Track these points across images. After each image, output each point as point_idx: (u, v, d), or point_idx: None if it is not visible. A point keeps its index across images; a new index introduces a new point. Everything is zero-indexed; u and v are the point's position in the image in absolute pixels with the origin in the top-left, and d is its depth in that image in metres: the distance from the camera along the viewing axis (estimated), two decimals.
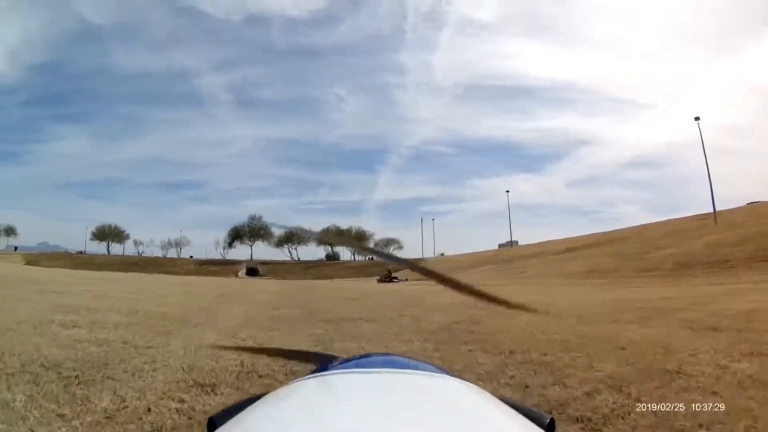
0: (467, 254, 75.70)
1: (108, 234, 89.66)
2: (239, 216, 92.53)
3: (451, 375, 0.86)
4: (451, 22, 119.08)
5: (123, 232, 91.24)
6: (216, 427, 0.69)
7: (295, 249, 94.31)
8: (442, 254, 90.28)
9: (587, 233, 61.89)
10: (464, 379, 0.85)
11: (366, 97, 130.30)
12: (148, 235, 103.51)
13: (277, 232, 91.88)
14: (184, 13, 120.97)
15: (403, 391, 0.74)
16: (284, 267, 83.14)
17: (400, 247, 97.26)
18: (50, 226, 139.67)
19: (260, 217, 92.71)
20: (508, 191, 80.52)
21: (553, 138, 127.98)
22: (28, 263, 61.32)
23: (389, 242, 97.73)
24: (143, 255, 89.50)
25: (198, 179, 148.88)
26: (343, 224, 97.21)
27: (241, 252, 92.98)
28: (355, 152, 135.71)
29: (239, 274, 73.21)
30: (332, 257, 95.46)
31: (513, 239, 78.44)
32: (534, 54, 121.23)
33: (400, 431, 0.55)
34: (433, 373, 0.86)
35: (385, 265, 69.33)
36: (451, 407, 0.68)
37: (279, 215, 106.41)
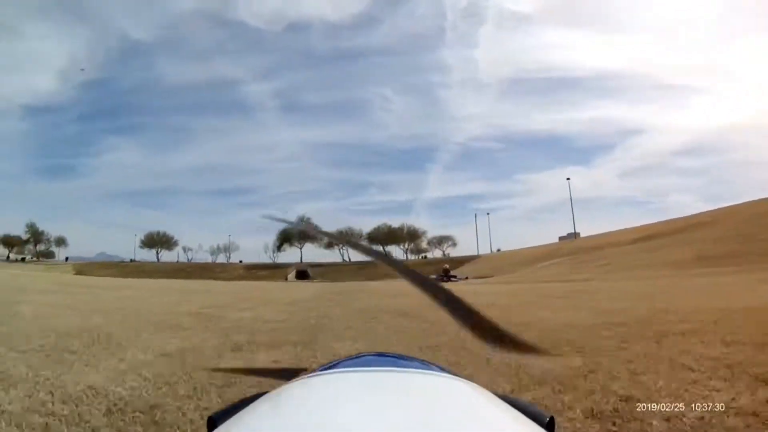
0: (526, 248, 69.49)
1: (156, 241, 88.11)
2: (290, 220, 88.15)
3: (451, 373, 0.84)
4: (491, 16, 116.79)
5: (172, 238, 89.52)
6: (216, 426, 0.68)
7: (346, 250, 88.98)
8: (498, 250, 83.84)
9: (647, 223, 55.83)
10: (464, 377, 0.83)
11: (411, 96, 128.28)
12: (202, 241, 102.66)
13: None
14: (225, 26, 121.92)
15: (403, 390, 0.73)
16: (335, 268, 77.99)
17: (454, 244, 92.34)
18: (108, 237, 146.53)
19: (309, 219, 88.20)
20: (569, 179, 73.68)
21: (602, 129, 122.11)
22: (78, 273, 60.86)
23: (442, 240, 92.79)
24: (192, 261, 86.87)
25: (248, 185, 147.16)
26: (395, 223, 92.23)
27: (291, 255, 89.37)
28: (403, 152, 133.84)
29: (288, 277, 68.77)
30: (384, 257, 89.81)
31: (574, 231, 72.98)
32: (577, 43, 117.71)
33: (400, 430, 0.54)
34: (433, 372, 0.85)
35: (441, 263, 63.55)
36: (451, 405, 0.67)
37: (330, 218, 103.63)
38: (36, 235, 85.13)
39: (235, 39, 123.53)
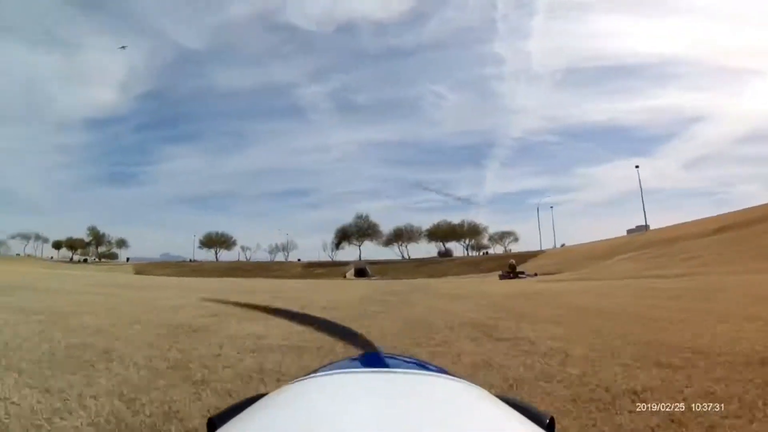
0: (592, 243, 63.57)
1: (215, 241, 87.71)
2: (349, 219, 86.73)
3: (452, 375, 0.84)
4: (542, 6, 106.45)
5: (230, 238, 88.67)
6: (216, 428, 0.68)
7: (405, 247, 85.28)
8: (562, 245, 77.41)
9: (715, 214, 49.27)
10: (464, 379, 0.83)
11: (464, 91, 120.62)
12: (262, 242, 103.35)
13: (386, 230, 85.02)
14: (276, 30, 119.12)
15: (403, 391, 0.73)
16: (394, 266, 74.72)
17: (516, 240, 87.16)
18: (171, 238, 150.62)
19: (367, 216, 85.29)
20: (638, 167, 65.44)
21: (662, 117, 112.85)
22: (137, 272, 61.88)
23: (504, 235, 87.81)
24: (251, 260, 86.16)
25: (306, 186, 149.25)
26: (456, 219, 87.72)
27: (349, 253, 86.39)
28: (459, 148, 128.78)
29: (347, 275, 66.20)
30: (444, 254, 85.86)
31: (645, 224, 66.58)
32: (633, 29, 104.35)
33: (399, 431, 0.55)
34: (434, 373, 0.85)
35: (504, 259, 59.03)
36: (452, 407, 0.67)
37: (390, 216, 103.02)
38: (97, 238, 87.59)
39: (286, 42, 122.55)
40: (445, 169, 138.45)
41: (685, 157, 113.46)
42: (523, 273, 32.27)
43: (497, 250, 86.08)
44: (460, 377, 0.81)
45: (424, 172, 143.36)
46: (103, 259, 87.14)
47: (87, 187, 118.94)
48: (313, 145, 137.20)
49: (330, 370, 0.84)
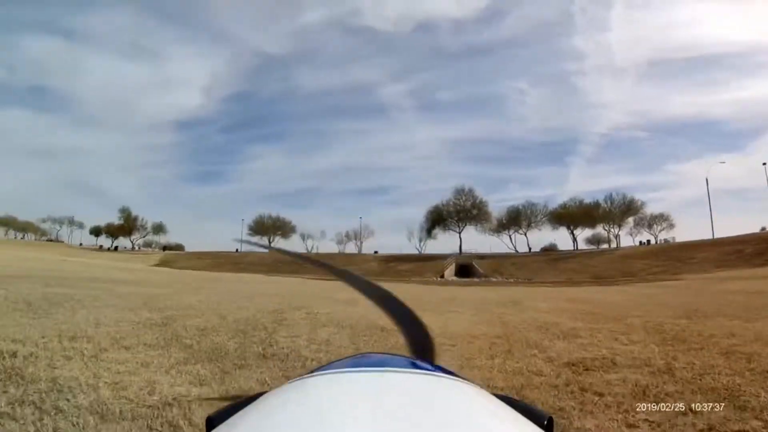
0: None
1: (268, 227, 72.24)
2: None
3: (450, 374, 0.86)
4: None
5: (288, 224, 73.80)
6: (214, 426, 0.69)
7: (524, 234, 63.01)
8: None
9: None
10: (463, 378, 0.85)
11: (547, 87, 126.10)
12: (328, 229, 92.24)
13: (495, 214, 65.25)
14: (355, 33, 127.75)
15: (401, 390, 0.74)
16: (512, 260, 53.91)
17: (671, 226, 65.22)
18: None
19: (471, 191, 63.84)
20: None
21: (754, 109, 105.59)
22: (162, 263, 53.35)
23: (655, 219, 64.71)
24: (313, 251, 69.05)
25: (389, 184, 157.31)
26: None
27: (442, 243, 66.12)
28: (542, 145, 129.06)
29: (446, 274, 46.11)
30: (549, 249, 65.36)
31: None
32: (716, 16, 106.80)
33: (398, 430, 0.55)
34: (432, 372, 0.86)
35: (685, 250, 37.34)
36: (450, 406, 0.68)
37: None
38: (129, 221, 77.85)
39: (365, 44, 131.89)
40: (529, 166, 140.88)
41: None
42: None
43: (639, 238, 65.05)
44: (458, 376, 0.82)
45: (507, 169, 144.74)
46: (143, 248, 78.21)
47: (176, 184, 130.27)
48: (395, 143, 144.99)
49: (328, 369, 0.83)
